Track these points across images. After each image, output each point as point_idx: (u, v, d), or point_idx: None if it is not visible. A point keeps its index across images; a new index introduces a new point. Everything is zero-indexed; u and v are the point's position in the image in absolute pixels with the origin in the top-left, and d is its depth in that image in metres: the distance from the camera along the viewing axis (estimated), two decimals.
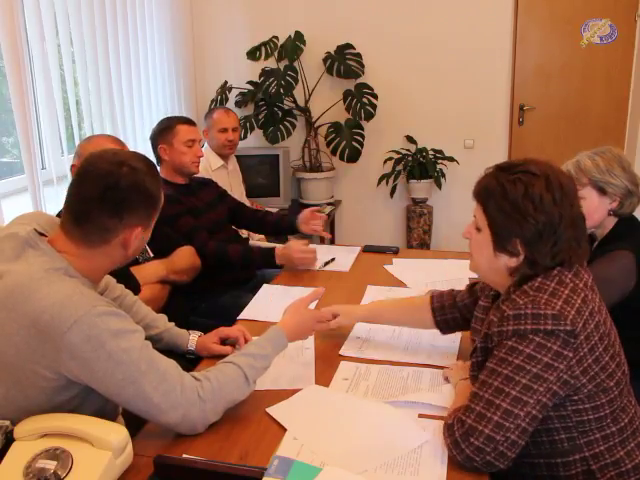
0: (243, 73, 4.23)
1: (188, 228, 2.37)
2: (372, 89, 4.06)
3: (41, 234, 1.26)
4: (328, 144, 4.08)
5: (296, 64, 4.02)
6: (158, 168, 2.58)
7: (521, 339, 1.15)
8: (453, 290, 1.63)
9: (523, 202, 1.18)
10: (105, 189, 1.21)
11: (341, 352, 1.64)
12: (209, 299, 2.44)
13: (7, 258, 1.20)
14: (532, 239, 1.19)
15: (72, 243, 1.23)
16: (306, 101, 4.11)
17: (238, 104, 4.18)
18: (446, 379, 1.47)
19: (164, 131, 2.52)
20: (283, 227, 2.73)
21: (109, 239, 1.24)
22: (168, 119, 2.61)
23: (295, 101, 4.09)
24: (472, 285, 1.57)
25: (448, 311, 1.58)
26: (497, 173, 1.24)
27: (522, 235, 1.19)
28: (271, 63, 4.13)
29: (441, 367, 1.53)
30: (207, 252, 2.34)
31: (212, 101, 4.08)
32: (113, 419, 1.27)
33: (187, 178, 2.56)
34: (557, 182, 1.20)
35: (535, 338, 1.14)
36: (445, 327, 1.60)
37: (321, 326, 1.62)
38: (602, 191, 1.82)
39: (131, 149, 2.06)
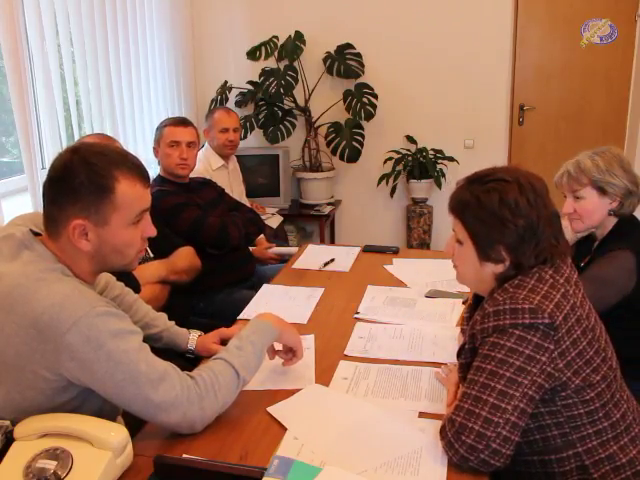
0: (243, 73, 4.23)
1: (195, 216, 2.41)
2: (372, 89, 4.06)
3: (38, 234, 1.25)
4: (328, 144, 4.08)
5: (296, 64, 4.02)
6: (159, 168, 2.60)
7: (501, 334, 1.18)
8: None
9: (500, 209, 1.21)
10: (49, 174, 1.20)
11: (346, 352, 1.64)
12: (209, 299, 2.45)
13: (4, 259, 1.20)
14: (515, 243, 1.22)
15: (47, 240, 1.23)
16: (306, 101, 4.11)
17: (238, 104, 4.17)
18: (441, 376, 1.47)
19: (156, 132, 2.58)
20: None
21: (59, 231, 1.20)
22: (163, 121, 2.65)
23: (295, 101, 4.09)
24: None
25: None
26: (469, 186, 1.27)
27: (504, 241, 1.22)
28: (271, 63, 4.13)
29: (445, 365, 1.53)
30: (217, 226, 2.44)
31: (212, 101, 4.08)
32: (113, 419, 1.26)
33: (186, 178, 2.57)
34: (529, 185, 1.23)
35: (515, 332, 1.16)
36: None
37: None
38: (602, 191, 1.82)
39: (131, 149, 2.06)
